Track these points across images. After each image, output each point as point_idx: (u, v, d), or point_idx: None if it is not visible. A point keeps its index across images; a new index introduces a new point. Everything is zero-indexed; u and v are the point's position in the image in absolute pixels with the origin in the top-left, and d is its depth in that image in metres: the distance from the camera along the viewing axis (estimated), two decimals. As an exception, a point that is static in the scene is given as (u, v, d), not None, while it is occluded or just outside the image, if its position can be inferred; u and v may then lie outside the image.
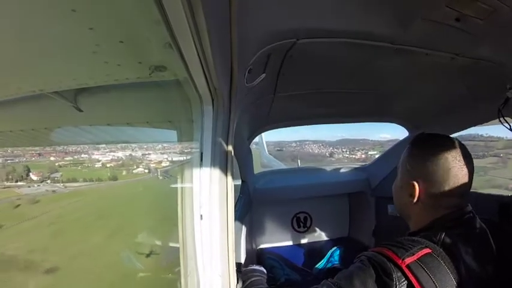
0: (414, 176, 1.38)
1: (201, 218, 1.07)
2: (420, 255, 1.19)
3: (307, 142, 47.07)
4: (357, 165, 3.79)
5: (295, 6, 1.20)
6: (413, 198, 1.37)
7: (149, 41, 0.94)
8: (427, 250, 1.21)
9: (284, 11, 1.22)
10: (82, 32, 0.88)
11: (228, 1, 0.86)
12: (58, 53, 1.05)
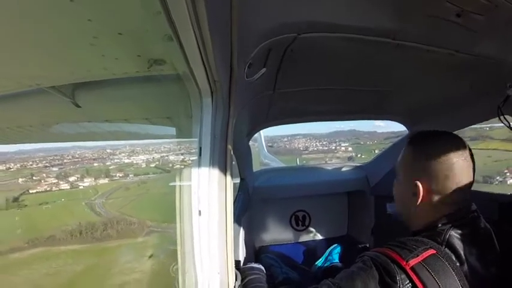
0: (417, 174, 1.36)
1: (200, 214, 1.05)
2: (425, 256, 1.17)
3: (298, 136, 47.33)
4: (356, 163, 3.78)
5: (297, 0, 1.19)
6: (418, 197, 1.35)
7: (149, 33, 0.93)
8: (432, 251, 1.19)
9: (286, 5, 1.20)
10: (80, 24, 0.87)
11: None
12: (55, 45, 1.03)
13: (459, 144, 1.36)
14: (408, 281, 1.13)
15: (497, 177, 23.23)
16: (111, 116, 1.84)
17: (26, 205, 26.87)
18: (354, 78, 2.10)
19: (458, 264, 1.19)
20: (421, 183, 1.33)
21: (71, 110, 1.62)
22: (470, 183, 1.35)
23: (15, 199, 27.22)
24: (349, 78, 2.10)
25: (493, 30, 1.41)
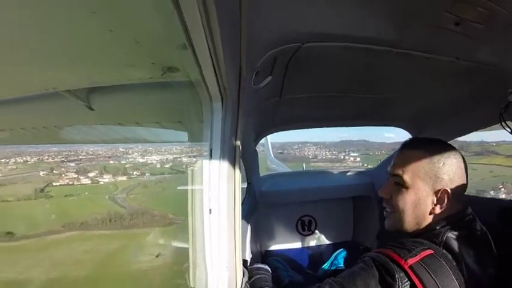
0: (441, 182, 1.38)
1: (210, 212, 1.11)
2: (423, 256, 1.22)
3: (308, 144, 47.18)
4: (361, 169, 3.81)
5: (301, 12, 1.25)
6: (442, 205, 1.38)
7: (164, 42, 0.98)
8: (430, 251, 1.24)
9: (290, 16, 1.26)
10: (101, 33, 0.93)
11: (239, 5, 0.91)
12: (75, 52, 1.09)
13: (456, 151, 1.44)
14: (407, 279, 1.17)
15: (491, 192, 23.59)
16: (124, 119, 1.89)
17: (52, 196, 29.93)
18: (357, 85, 2.14)
19: (455, 264, 1.23)
20: (446, 191, 1.37)
21: (85, 113, 1.67)
22: (466, 188, 1.42)
23: (42, 190, 29.90)
24: (353, 85, 2.14)
25: (492, 38, 1.44)
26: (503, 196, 22.93)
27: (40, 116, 1.96)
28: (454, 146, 1.48)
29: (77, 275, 18.16)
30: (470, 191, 1.47)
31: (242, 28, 0.99)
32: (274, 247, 3.52)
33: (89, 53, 1.11)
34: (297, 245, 3.58)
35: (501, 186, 24.97)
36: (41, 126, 2.08)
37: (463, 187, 1.40)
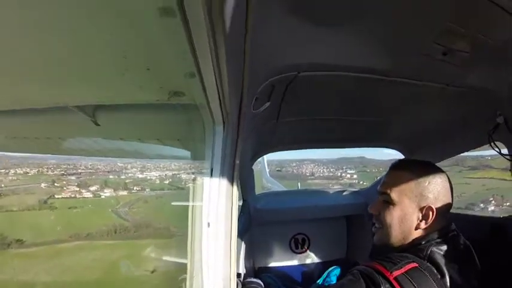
0: (426, 200, 1.48)
1: (208, 226, 1.18)
2: (407, 268, 1.29)
3: (307, 161, 47.01)
4: (355, 188, 3.91)
5: (298, 44, 1.36)
6: (427, 221, 1.47)
7: (174, 69, 1.05)
8: (414, 264, 1.32)
9: (288, 48, 1.37)
10: (115, 59, 0.99)
11: (244, 39, 1.00)
12: (89, 73, 1.15)
13: (442, 172, 1.55)
14: None
15: (481, 205, 23.85)
16: (126, 135, 1.95)
17: (56, 207, 30.04)
18: (350, 110, 2.24)
19: (439, 277, 1.31)
20: (431, 208, 1.46)
21: (89, 127, 1.72)
22: (450, 206, 1.52)
23: (45, 202, 30.01)
24: (346, 110, 2.24)
25: (479, 65, 1.55)
26: (492, 208, 23.49)
27: (45, 127, 2.00)
28: (451, 160, 1.60)
29: (88, 279, 19.05)
30: (460, 206, 1.57)
31: (246, 59, 1.08)
32: (267, 264, 3.56)
33: (101, 74, 1.18)
34: (290, 262, 3.62)
35: (491, 199, 25.23)
36: (44, 137, 2.12)
37: (447, 205, 1.50)
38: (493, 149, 2.00)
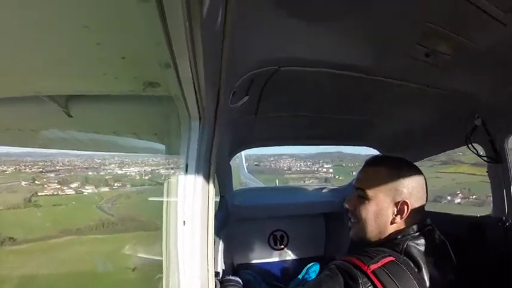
0: (401, 194, 1.50)
1: (184, 224, 1.15)
2: (384, 262, 1.31)
3: (284, 156, 47.50)
4: (334, 186, 3.94)
5: (279, 37, 1.34)
6: (402, 216, 1.49)
7: (149, 59, 1.02)
8: (391, 258, 1.33)
9: (268, 41, 1.35)
10: (89, 47, 0.96)
11: (223, 30, 0.98)
12: (62, 61, 1.11)
13: (416, 168, 1.59)
14: (370, 284, 1.26)
15: (448, 197, 24.91)
16: (101, 128, 1.90)
17: (41, 205, 30.96)
18: (330, 107, 2.25)
19: (416, 270, 1.33)
20: (405, 202, 1.48)
21: (62, 119, 1.67)
22: (425, 201, 1.55)
23: (29, 199, 30.86)
24: (327, 107, 2.24)
25: (460, 68, 1.57)
26: (458, 200, 24.89)
27: (16, 117, 1.93)
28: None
29: (82, 270, 20.03)
30: (429, 198, 1.60)
31: (224, 51, 1.05)
32: (246, 260, 3.56)
33: (74, 62, 1.13)
34: (269, 259, 3.64)
35: (458, 192, 26.53)
36: (16, 128, 2.05)
37: (422, 200, 1.53)
38: (471, 150, 2.06)
